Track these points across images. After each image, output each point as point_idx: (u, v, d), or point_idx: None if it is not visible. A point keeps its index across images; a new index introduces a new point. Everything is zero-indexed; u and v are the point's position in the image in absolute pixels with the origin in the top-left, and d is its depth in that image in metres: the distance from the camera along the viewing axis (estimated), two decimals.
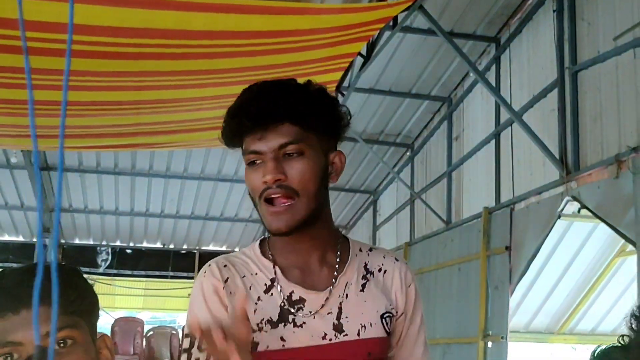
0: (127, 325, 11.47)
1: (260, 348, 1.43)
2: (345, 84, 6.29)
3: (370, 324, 1.52)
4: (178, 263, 11.85)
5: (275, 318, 1.44)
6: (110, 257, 11.79)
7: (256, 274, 1.52)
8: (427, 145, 8.45)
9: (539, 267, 7.72)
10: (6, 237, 11.18)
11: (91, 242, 11.64)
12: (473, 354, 6.38)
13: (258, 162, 1.42)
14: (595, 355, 1.31)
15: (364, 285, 1.56)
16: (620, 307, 8.23)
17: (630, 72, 4.86)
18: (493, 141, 6.78)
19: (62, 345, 1.04)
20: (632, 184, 4.61)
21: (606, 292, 8.66)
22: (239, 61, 4.51)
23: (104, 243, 11.69)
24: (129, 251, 11.85)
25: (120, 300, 12.59)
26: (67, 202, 10.29)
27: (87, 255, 11.70)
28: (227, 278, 1.49)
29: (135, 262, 11.86)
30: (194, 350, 1.25)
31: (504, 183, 6.53)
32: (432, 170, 8.26)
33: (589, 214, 5.25)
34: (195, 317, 1.42)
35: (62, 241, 11.19)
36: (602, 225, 5.45)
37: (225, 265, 1.52)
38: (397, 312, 1.59)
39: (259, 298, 1.48)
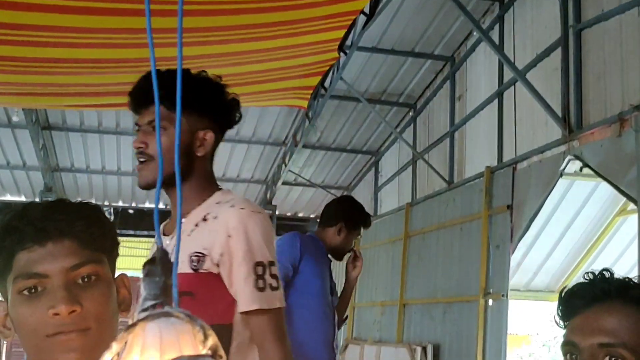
0: (132, 285, 11.53)
1: None
2: (348, 42, 6.24)
3: (182, 262, 1.75)
4: None
5: None
6: (112, 218, 11.84)
7: None
8: (429, 105, 8.43)
9: (540, 226, 7.75)
10: (8, 197, 11.21)
11: (93, 203, 11.66)
12: (474, 312, 6.44)
13: None
14: (563, 294, 1.32)
15: (192, 231, 1.83)
16: (621, 266, 8.27)
17: (634, 31, 4.83)
18: (496, 100, 6.75)
19: (85, 280, 1.05)
20: (634, 142, 4.60)
21: (607, 251, 8.70)
22: (241, 18, 4.48)
23: (106, 203, 11.71)
24: (131, 211, 11.89)
25: (123, 261, 12.56)
26: (69, 162, 10.30)
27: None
28: None
29: (137, 222, 11.88)
30: None
31: (507, 142, 6.52)
32: (435, 130, 8.25)
33: (591, 172, 5.26)
34: None
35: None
36: (604, 184, 5.47)
37: None
38: (211, 255, 1.79)
39: None
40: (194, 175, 1.91)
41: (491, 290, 6.29)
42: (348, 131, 9.64)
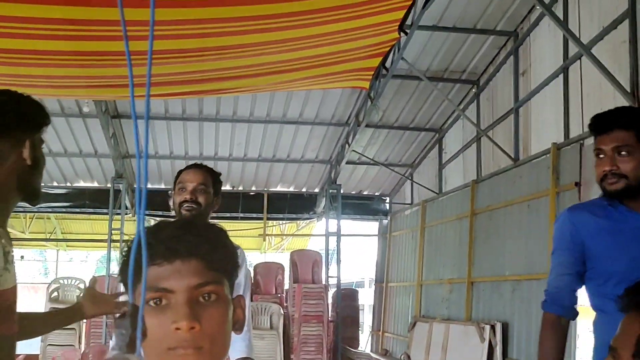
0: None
1: None
2: (409, 22, 6.21)
3: None
4: (247, 204, 12.06)
5: None
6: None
7: None
8: (493, 81, 8.32)
9: None
10: (82, 183, 11.58)
11: (163, 187, 11.94)
12: (542, 290, 6.36)
13: None
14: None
15: None
16: None
17: None
18: (561, 76, 6.62)
19: (206, 298, 1.13)
20: None
21: None
22: (299, 5, 4.51)
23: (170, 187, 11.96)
24: None
25: None
26: (138, 148, 10.54)
27: (159, 199, 12.00)
28: None
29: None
30: None
31: (573, 118, 6.40)
32: (499, 106, 8.14)
33: None
34: None
35: (135, 186, 11.51)
36: None
37: None
38: None
39: None
40: None
41: None
42: (411, 110, 9.61)
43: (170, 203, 3.08)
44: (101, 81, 5.58)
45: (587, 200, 5.87)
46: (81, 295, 2.73)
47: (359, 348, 11.95)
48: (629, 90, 5.32)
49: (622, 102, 5.38)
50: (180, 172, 3.10)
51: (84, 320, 11.09)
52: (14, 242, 1.94)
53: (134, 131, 1.03)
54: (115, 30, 4.33)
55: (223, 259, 1.18)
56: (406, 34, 6.41)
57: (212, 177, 3.07)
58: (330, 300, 11.01)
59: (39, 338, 10.02)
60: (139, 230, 0.97)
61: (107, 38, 4.48)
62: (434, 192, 10.14)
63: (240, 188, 12.08)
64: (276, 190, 12.14)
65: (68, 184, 11.57)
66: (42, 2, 3.94)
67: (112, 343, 0.85)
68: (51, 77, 5.35)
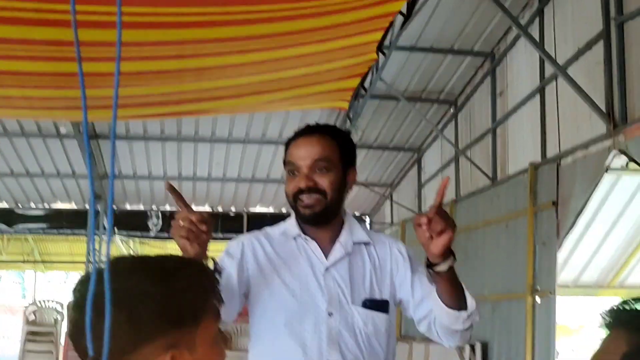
0: None
1: None
2: (387, 42, 6.25)
3: None
4: (227, 225, 12.03)
5: None
6: (161, 221, 12.03)
7: None
8: (470, 101, 8.38)
9: (586, 222, 7.68)
10: (59, 205, 11.49)
11: (141, 208, 11.87)
12: (522, 309, 6.40)
13: None
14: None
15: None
16: None
17: None
18: (538, 96, 6.69)
19: None
20: None
21: None
22: (278, 26, 4.53)
23: (153, 208, 11.92)
24: None
25: None
26: (116, 169, 10.50)
27: (138, 220, 11.95)
28: None
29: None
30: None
31: (550, 138, 6.46)
32: (476, 126, 8.20)
33: (637, 167, 5.19)
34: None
35: (114, 207, 11.42)
36: None
37: None
38: None
39: None
40: None
41: (539, 288, 6.25)
42: (389, 130, 9.65)
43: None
44: (78, 102, 5.56)
45: (564, 219, 5.93)
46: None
47: None
48: (604, 110, 5.38)
49: (597, 121, 5.45)
50: (288, 141, 2.23)
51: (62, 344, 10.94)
52: None
53: (111, 152, 1.02)
54: (95, 51, 4.32)
55: None
56: (384, 54, 6.45)
57: (338, 142, 2.16)
58: None
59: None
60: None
61: (86, 60, 4.46)
62: (413, 211, 10.17)
63: (220, 209, 12.04)
64: (256, 211, 12.11)
65: (45, 205, 11.47)
66: (20, 23, 3.93)
67: None
68: (29, 98, 5.33)
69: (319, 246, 2.15)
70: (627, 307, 1.23)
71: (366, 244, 2.21)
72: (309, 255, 2.13)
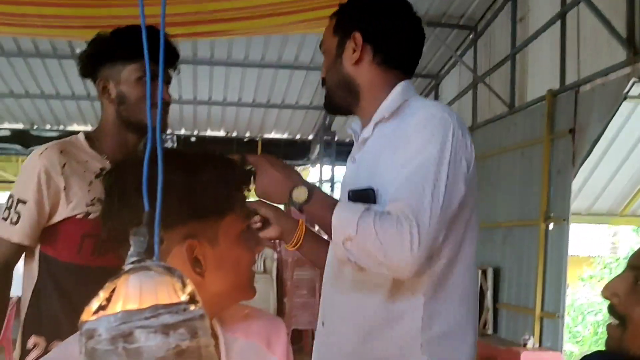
0: None
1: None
2: None
3: None
4: (241, 150, 12.04)
5: None
6: (175, 145, 12.06)
7: None
8: (490, 27, 8.24)
9: (602, 150, 7.62)
10: (75, 127, 11.52)
11: None
12: (535, 236, 6.45)
13: None
14: None
15: None
16: None
17: None
18: (559, 22, 6.57)
19: None
20: None
21: None
22: None
23: (168, 132, 11.93)
24: (193, 139, 12.09)
25: None
26: None
27: None
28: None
29: (199, 149, 12.08)
30: None
31: (569, 65, 6.38)
32: (496, 53, 8.09)
33: None
34: None
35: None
36: None
37: None
38: None
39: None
40: None
41: (552, 215, 6.28)
42: None
43: None
44: (95, 22, 5.52)
45: (580, 147, 5.91)
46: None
47: None
48: (624, 36, 5.30)
49: (617, 47, 5.37)
50: None
51: None
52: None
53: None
54: None
55: None
56: None
57: (337, 15, 1.94)
58: None
59: None
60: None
61: None
62: None
63: (235, 134, 12.05)
64: (270, 136, 12.11)
65: (61, 127, 11.52)
66: None
67: (130, 250, 0.85)
68: (45, 16, 5.29)
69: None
70: None
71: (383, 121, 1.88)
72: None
